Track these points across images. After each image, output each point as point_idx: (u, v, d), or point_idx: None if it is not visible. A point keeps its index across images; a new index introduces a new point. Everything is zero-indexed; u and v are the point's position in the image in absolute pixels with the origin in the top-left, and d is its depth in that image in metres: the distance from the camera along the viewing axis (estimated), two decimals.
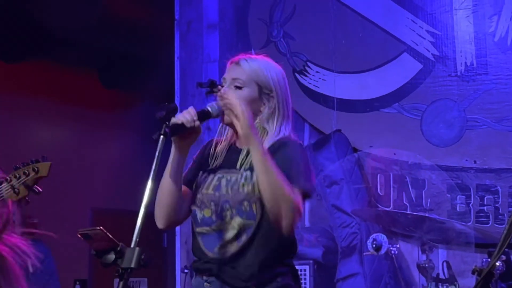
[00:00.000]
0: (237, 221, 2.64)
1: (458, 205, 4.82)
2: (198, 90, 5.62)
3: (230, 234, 2.65)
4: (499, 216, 4.72)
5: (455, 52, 4.96)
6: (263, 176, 2.52)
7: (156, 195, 2.57)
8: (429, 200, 4.88)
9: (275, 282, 2.63)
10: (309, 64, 5.42)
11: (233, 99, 2.58)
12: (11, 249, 1.12)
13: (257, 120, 2.70)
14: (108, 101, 8.06)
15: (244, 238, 2.63)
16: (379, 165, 5.04)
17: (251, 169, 2.64)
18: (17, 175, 2.95)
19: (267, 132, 2.70)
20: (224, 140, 2.78)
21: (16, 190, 2.93)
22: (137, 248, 2.29)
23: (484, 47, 4.88)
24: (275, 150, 2.64)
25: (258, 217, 2.62)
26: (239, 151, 2.72)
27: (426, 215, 4.62)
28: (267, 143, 2.66)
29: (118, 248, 2.28)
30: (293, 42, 5.49)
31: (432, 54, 5.03)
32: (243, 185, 2.65)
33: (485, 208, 4.77)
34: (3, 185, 2.96)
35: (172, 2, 5.82)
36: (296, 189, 2.55)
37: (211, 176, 2.74)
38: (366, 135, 5.16)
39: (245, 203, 2.63)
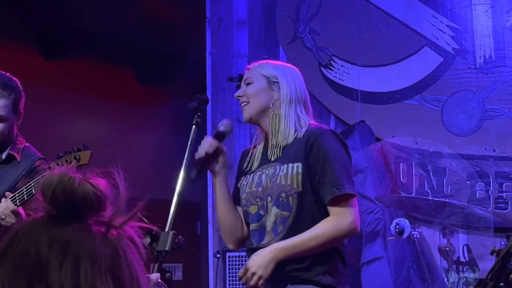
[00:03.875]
0: (273, 212, 2.73)
1: (477, 192, 4.86)
2: (228, 84, 5.74)
3: (268, 224, 2.76)
4: None
5: (474, 46, 5.00)
6: (314, 250, 2.66)
7: (186, 183, 2.64)
8: (449, 187, 4.92)
9: (322, 267, 2.72)
10: (334, 58, 5.44)
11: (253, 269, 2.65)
12: (131, 240, 1.16)
13: (270, 110, 2.79)
14: (144, 96, 8.16)
15: (280, 228, 2.72)
16: (401, 154, 5.08)
17: (287, 161, 2.73)
18: (60, 163, 3.01)
19: (280, 118, 2.77)
20: (259, 144, 2.90)
21: None
22: (171, 232, 2.40)
23: (502, 41, 4.92)
24: (311, 146, 2.70)
25: (294, 210, 2.71)
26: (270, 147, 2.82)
27: (447, 200, 4.71)
28: (287, 135, 2.74)
29: (153, 232, 2.37)
30: (319, 38, 5.51)
31: (452, 47, 5.07)
32: (281, 177, 2.72)
33: (503, 194, 4.81)
34: (45, 173, 3.00)
35: (204, 1, 5.88)
36: (345, 206, 2.67)
37: (251, 175, 2.85)
38: (389, 125, 5.18)
39: (283, 194, 2.72)
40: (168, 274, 2.39)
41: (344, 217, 2.67)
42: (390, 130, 5.21)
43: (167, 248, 2.38)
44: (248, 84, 2.87)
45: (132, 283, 1.13)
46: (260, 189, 2.79)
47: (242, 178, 2.90)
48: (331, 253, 2.74)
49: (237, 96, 2.86)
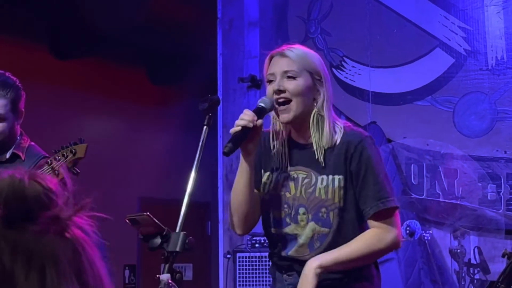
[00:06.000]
0: (311, 227, 2.59)
1: (489, 194, 4.85)
2: (239, 85, 5.76)
3: (303, 238, 2.60)
4: None
5: (486, 47, 5.00)
6: (357, 263, 2.54)
7: (197, 183, 2.51)
8: (461, 188, 4.89)
9: (358, 273, 2.59)
10: (345, 59, 5.46)
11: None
12: (83, 231, 1.16)
13: (315, 110, 2.57)
14: (155, 96, 8.21)
15: (317, 244, 2.59)
16: (412, 155, 5.08)
17: (326, 172, 2.56)
18: (57, 158, 3.00)
19: (324, 119, 2.57)
20: (279, 134, 2.66)
21: (56, 171, 2.97)
22: (182, 233, 2.31)
23: None
24: (352, 156, 2.54)
25: (334, 226, 2.56)
26: (301, 146, 2.61)
27: (458, 202, 4.72)
28: (330, 139, 2.56)
29: (164, 233, 2.32)
30: (330, 38, 5.53)
31: (463, 49, 5.07)
32: (320, 190, 2.56)
33: None
34: (44, 167, 3.01)
35: (215, 1, 5.91)
36: (389, 218, 2.52)
37: (277, 175, 2.65)
38: (400, 126, 5.19)
39: (323, 209, 2.56)
40: (178, 274, 2.38)
41: (388, 231, 2.53)
42: (401, 131, 5.22)
43: (178, 249, 2.31)
44: (290, 77, 2.57)
45: (94, 278, 1.14)
46: (288, 194, 2.62)
47: (263, 172, 2.68)
48: None
49: (278, 90, 2.56)
